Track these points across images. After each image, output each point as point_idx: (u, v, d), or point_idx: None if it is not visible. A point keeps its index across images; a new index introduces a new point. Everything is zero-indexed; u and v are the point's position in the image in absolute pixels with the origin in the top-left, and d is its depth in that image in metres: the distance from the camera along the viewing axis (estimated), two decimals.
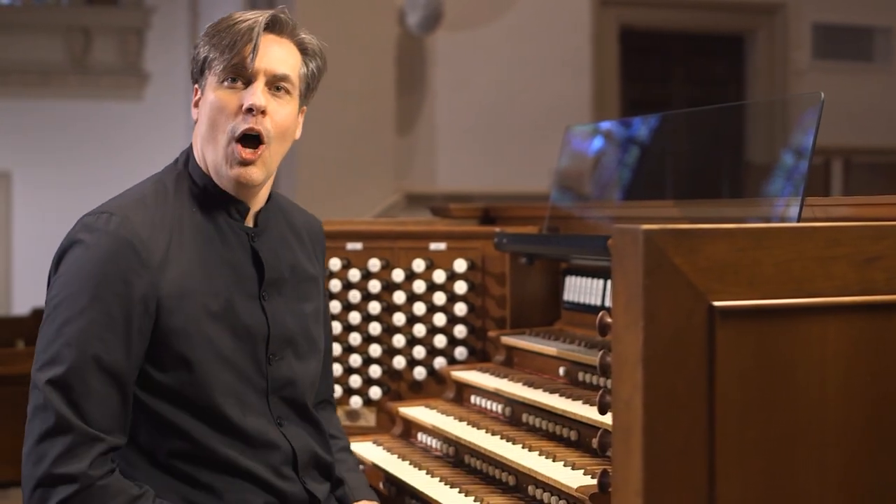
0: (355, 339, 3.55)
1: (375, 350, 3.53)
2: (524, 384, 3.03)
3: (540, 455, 2.67)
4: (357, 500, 2.74)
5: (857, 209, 2.47)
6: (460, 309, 3.47)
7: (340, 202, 8.52)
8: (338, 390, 3.55)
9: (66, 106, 11.06)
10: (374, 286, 3.55)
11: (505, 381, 3.12)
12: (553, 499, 2.54)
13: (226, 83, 2.47)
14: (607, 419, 2.27)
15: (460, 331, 3.48)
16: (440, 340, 3.47)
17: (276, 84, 2.50)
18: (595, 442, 2.39)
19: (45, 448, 2.25)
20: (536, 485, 2.62)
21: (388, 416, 3.46)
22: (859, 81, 10.94)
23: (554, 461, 2.62)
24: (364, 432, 3.49)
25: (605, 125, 3.71)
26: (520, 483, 2.72)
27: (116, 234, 2.35)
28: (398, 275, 3.53)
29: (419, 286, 3.51)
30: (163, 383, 2.39)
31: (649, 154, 3.28)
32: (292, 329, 2.58)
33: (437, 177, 9.65)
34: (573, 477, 2.49)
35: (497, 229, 3.48)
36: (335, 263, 3.57)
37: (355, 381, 3.54)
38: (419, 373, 3.49)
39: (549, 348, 3.11)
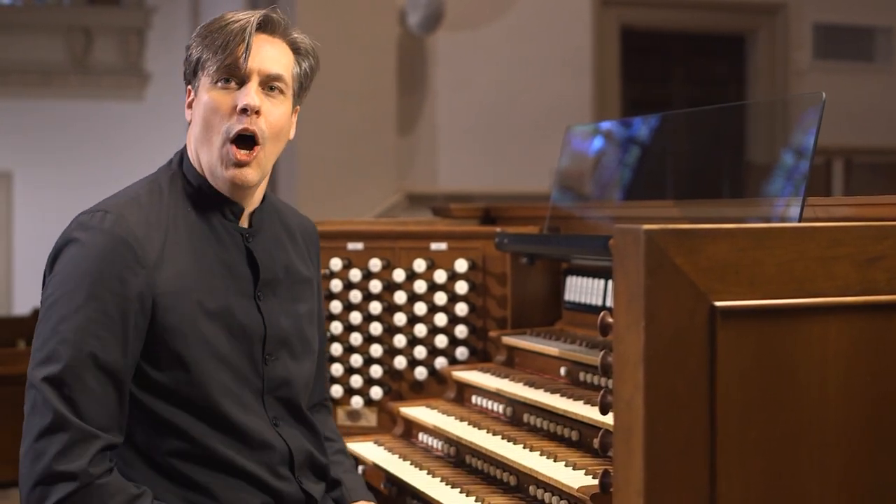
0: (356, 339, 3.55)
1: (376, 350, 3.53)
2: (525, 384, 3.03)
3: (541, 455, 2.67)
4: (355, 501, 2.74)
5: (858, 209, 2.47)
6: (461, 309, 3.47)
7: (341, 202, 8.52)
8: (339, 390, 3.55)
9: (67, 106, 11.06)
10: (375, 286, 3.55)
11: (506, 381, 3.12)
12: (554, 499, 2.54)
13: (219, 84, 2.47)
14: (608, 419, 2.27)
15: (461, 331, 3.48)
16: (441, 340, 3.47)
17: (269, 84, 2.50)
18: (596, 442, 2.39)
19: (44, 445, 2.25)
20: (538, 485, 2.62)
21: (389, 417, 3.46)
22: (860, 81, 10.94)
23: (555, 461, 2.62)
24: (365, 432, 3.49)
25: (606, 125, 3.71)
26: (521, 483, 2.72)
27: (112, 232, 2.35)
28: (399, 275, 3.53)
29: (420, 286, 3.51)
30: (159, 382, 2.39)
31: (650, 154, 3.28)
32: (287, 329, 2.58)
33: (437, 177, 9.65)
34: (574, 477, 2.49)
35: (498, 229, 3.48)
36: (336, 263, 3.57)
37: (356, 381, 3.54)
38: (420, 373, 3.49)
39: (550, 348, 3.11)
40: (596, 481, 2.37)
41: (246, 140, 2.46)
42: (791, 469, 1.87)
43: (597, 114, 9.95)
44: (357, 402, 3.55)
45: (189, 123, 2.55)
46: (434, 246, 3.52)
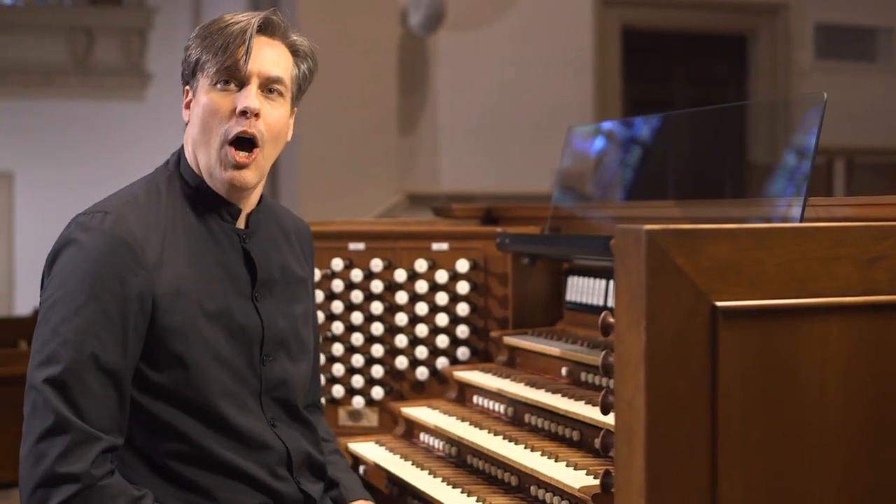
0: (357, 339, 3.55)
1: (378, 350, 3.53)
2: (526, 384, 3.03)
3: (542, 455, 2.68)
4: (353, 501, 2.74)
5: (859, 209, 2.47)
6: (462, 309, 3.48)
7: (343, 202, 8.52)
8: (340, 390, 3.55)
9: (69, 106, 11.06)
10: (377, 286, 3.55)
11: (507, 381, 3.12)
12: (555, 499, 2.54)
13: (218, 85, 2.47)
14: (610, 419, 2.26)
15: (462, 331, 3.48)
16: (442, 340, 3.48)
17: (268, 86, 2.50)
18: (597, 442, 2.39)
19: (45, 447, 2.24)
20: (539, 485, 2.62)
21: (391, 417, 3.46)
22: (861, 81, 10.94)
23: (556, 461, 2.62)
24: (366, 432, 3.49)
25: (607, 125, 3.71)
26: (522, 483, 2.72)
27: (112, 232, 2.34)
28: (400, 275, 3.53)
29: (421, 286, 3.51)
30: (158, 383, 2.39)
31: (651, 154, 3.28)
32: (284, 330, 2.58)
33: (439, 177, 9.66)
34: (576, 477, 2.49)
35: (499, 229, 3.48)
36: (337, 263, 3.57)
37: (358, 381, 3.54)
38: (421, 373, 3.49)
39: (551, 348, 3.11)
40: (597, 481, 2.37)
41: (245, 142, 2.46)
42: (792, 469, 1.87)
43: (598, 114, 9.95)
44: (358, 402, 3.55)
45: (186, 124, 2.55)
46: (435, 246, 3.52)
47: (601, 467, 2.46)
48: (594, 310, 3.21)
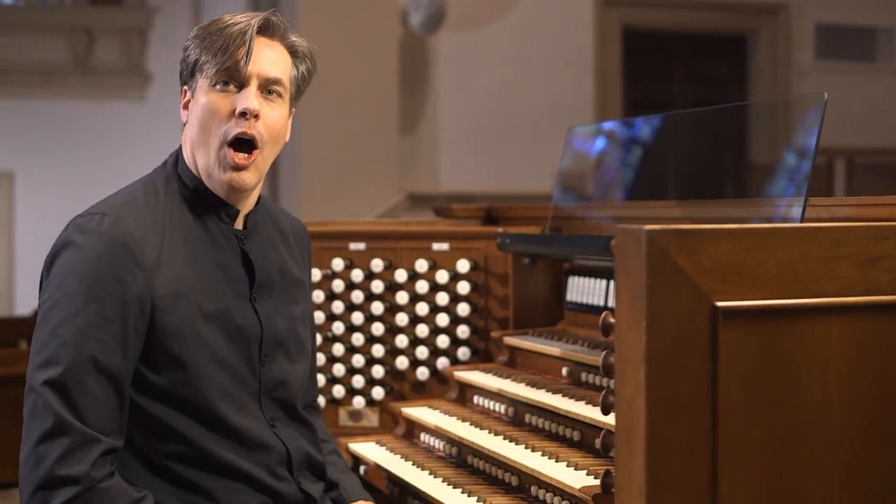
0: (358, 339, 3.55)
1: (378, 350, 3.53)
2: (527, 384, 3.03)
3: (543, 455, 2.67)
4: (352, 501, 2.74)
5: (860, 209, 2.47)
6: (463, 309, 3.48)
7: (343, 202, 8.52)
8: (341, 390, 3.55)
9: (69, 106, 11.06)
10: (377, 286, 3.55)
11: (508, 381, 3.12)
12: (556, 499, 2.54)
13: (218, 86, 2.46)
14: (610, 419, 2.27)
15: (463, 331, 3.48)
16: (443, 341, 3.47)
17: (268, 87, 2.50)
18: (598, 442, 2.39)
19: (45, 450, 2.24)
20: (539, 485, 2.62)
21: (391, 417, 3.46)
22: (862, 82, 10.93)
23: (557, 461, 2.62)
24: (367, 432, 3.49)
25: (608, 125, 3.71)
26: (523, 483, 2.72)
27: (110, 234, 2.34)
28: (401, 275, 3.53)
29: (422, 286, 3.51)
30: (157, 385, 2.39)
31: (652, 154, 3.28)
32: (283, 331, 2.58)
33: (439, 177, 9.66)
34: (576, 477, 2.49)
35: (500, 229, 3.48)
36: (338, 264, 3.57)
37: (358, 381, 3.54)
38: (422, 373, 3.49)
39: (551, 349, 3.11)
40: (598, 481, 2.37)
41: (244, 143, 2.46)
42: (793, 469, 1.87)
43: (598, 114, 9.95)
44: (359, 402, 3.55)
45: (184, 124, 2.54)
46: (436, 246, 3.52)
47: (602, 467, 2.46)
48: (595, 310, 3.21)
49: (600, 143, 3.52)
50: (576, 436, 2.74)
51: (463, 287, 3.47)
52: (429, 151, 9.63)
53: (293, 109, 2.61)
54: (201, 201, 2.51)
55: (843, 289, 1.89)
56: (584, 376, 2.97)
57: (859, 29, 11.13)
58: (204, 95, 2.47)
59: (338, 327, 3.55)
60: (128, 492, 2.30)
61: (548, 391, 2.93)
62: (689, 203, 3.08)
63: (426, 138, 9.62)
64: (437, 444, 3.14)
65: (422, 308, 3.50)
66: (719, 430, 1.81)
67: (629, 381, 1.80)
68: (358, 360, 3.55)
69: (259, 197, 2.63)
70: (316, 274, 3.55)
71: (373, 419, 3.56)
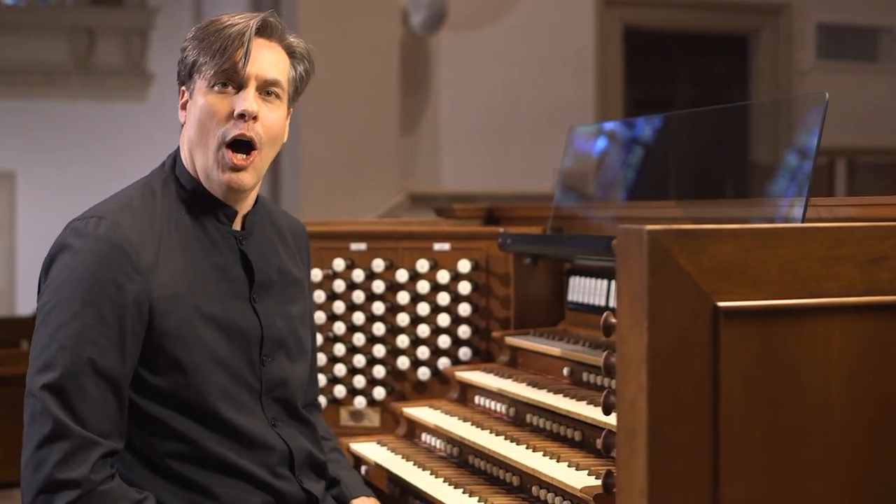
0: (359, 339, 3.55)
1: (379, 350, 3.53)
2: (528, 384, 3.03)
3: (544, 455, 2.67)
4: (354, 498, 2.74)
5: (861, 209, 2.47)
6: (464, 309, 3.47)
7: (344, 202, 8.52)
8: (342, 391, 3.55)
9: (70, 106, 11.07)
10: (378, 286, 3.55)
11: (509, 381, 3.11)
12: (557, 499, 2.54)
13: (216, 88, 2.46)
14: (611, 420, 2.27)
15: (464, 331, 3.48)
16: (444, 341, 3.47)
17: (266, 89, 2.50)
18: (599, 442, 2.39)
19: (45, 454, 2.24)
20: (540, 485, 2.62)
21: (393, 417, 3.46)
22: (863, 81, 10.93)
23: (558, 462, 2.62)
24: (368, 433, 3.49)
25: (609, 125, 3.71)
26: (524, 483, 2.72)
27: (106, 238, 2.34)
28: (402, 275, 3.53)
29: (423, 286, 3.51)
30: (157, 386, 2.39)
31: (653, 154, 3.27)
32: (283, 331, 2.59)
33: (441, 177, 9.66)
34: (577, 477, 2.49)
35: (501, 230, 3.48)
36: (339, 264, 3.57)
37: (359, 381, 3.54)
38: (423, 373, 3.49)
39: (553, 349, 3.11)
40: (599, 482, 2.37)
41: (242, 145, 2.46)
42: (794, 469, 1.87)
43: (600, 114, 9.95)
44: (360, 402, 3.55)
45: (182, 125, 2.54)
46: (437, 246, 3.52)
47: (603, 468, 2.45)
48: (596, 310, 3.21)
49: (601, 143, 3.52)
50: (577, 436, 2.74)
51: (464, 287, 3.47)
52: (430, 151, 9.63)
53: (291, 110, 2.61)
54: (199, 202, 2.51)
55: (845, 289, 1.88)
56: (585, 376, 2.97)
57: (861, 29, 11.13)
58: (202, 97, 2.47)
59: (339, 327, 3.55)
60: (129, 493, 2.30)
61: (549, 391, 2.93)
62: (691, 203, 3.08)
63: (427, 138, 9.62)
64: (439, 444, 3.14)
65: (423, 308, 3.50)
66: (721, 430, 1.81)
67: (631, 382, 1.80)
68: (359, 361, 3.55)
69: (257, 197, 2.62)
70: (317, 274, 3.55)
71: (374, 419, 3.56)
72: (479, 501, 2.70)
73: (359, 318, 3.56)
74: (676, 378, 1.78)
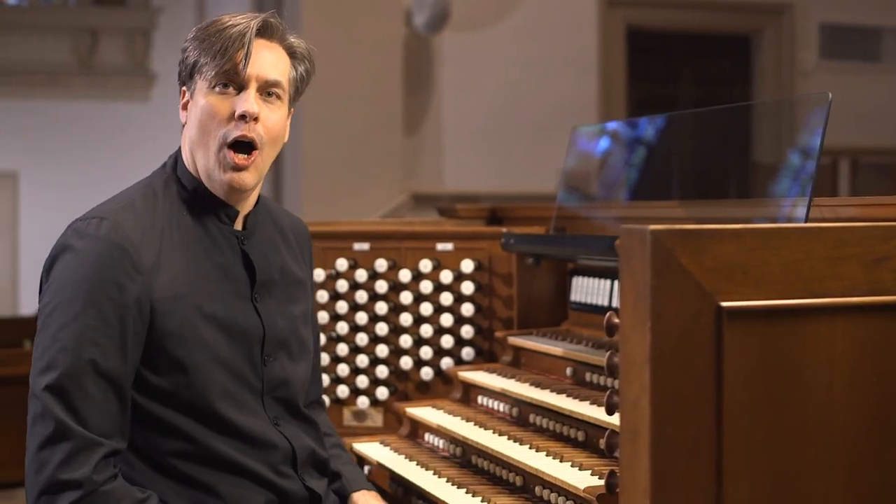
0: (362, 339, 3.55)
1: (382, 350, 3.53)
2: (531, 384, 3.03)
3: (547, 455, 2.67)
4: (355, 491, 2.75)
5: (864, 209, 2.47)
6: (467, 309, 3.47)
7: (347, 202, 8.52)
8: (345, 391, 3.55)
9: (73, 106, 11.07)
10: (381, 286, 3.55)
11: (512, 381, 3.11)
12: (560, 499, 2.54)
13: (217, 88, 2.46)
14: (615, 420, 2.26)
15: (467, 331, 3.48)
16: (447, 341, 3.48)
17: (267, 90, 2.50)
18: (602, 442, 2.39)
19: (47, 455, 2.25)
20: (544, 485, 2.62)
21: (395, 417, 3.46)
22: (866, 82, 10.92)
23: (561, 462, 2.62)
24: (371, 432, 3.49)
25: (612, 125, 3.71)
26: (527, 483, 2.72)
27: (108, 238, 2.34)
28: (405, 275, 3.53)
29: (426, 286, 3.51)
30: (159, 387, 2.39)
31: (656, 154, 3.27)
32: (284, 330, 2.59)
33: (443, 177, 9.66)
34: (580, 477, 2.49)
35: (504, 230, 3.48)
36: (342, 264, 3.57)
37: (362, 381, 3.54)
38: (426, 373, 3.49)
39: (556, 349, 3.10)
40: (602, 482, 2.37)
41: (243, 145, 2.46)
42: (797, 469, 1.87)
43: (602, 114, 9.95)
44: (363, 402, 3.55)
45: (183, 125, 2.55)
46: (440, 246, 3.52)
47: (606, 468, 2.45)
48: (599, 310, 3.21)
49: (604, 143, 3.52)
50: (580, 436, 2.74)
51: (467, 287, 3.47)
52: (433, 151, 9.63)
53: (292, 110, 2.61)
54: (200, 202, 2.51)
55: (848, 289, 1.88)
56: (588, 376, 2.97)
57: (864, 29, 11.12)
58: (203, 97, 2.47)
59: (342, 327, 3.55)
60: (131, 493, 2.31)
61: (552, 391, 2.93)
62: (694, 203, 3.08)
63: (430, 138, 9.62)
64: (441, 444, 3.14)
65: (426, 308, 3.50)
66: (724, 430, 1.81)
67: (634, 382, 1.80)
68: (362, 361, 3.55)
69: (258, 197, 2.63)
70: (320, 274, 3.55)
71: (377, 419, 3.56)
72: (482, 501, 2.70)
73: (362, 317, 3.56)
74: (679, 378, 1.78)
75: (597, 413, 2.65)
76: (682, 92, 10.86)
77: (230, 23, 2.48)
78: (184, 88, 2.54)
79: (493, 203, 4.15)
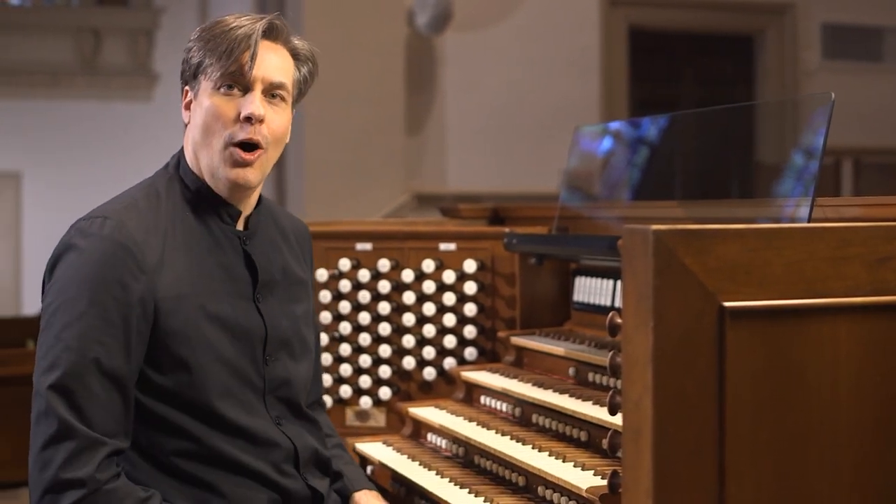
0: (365, 339, 3.55)
1: (385, 350, 3.53)
2: (534, 384, 3.03)
3: (550, 456, 2.67)
4: (356, 491, 2.75)
5: (867, 209, 2.47)
6: (470, 309, 3.47)
7: (350, 203, 8.52)
8: (348, 391, 3.55)
9: (76, 107, 11.08)
10: (384, 286, 3.55)
11: (514, 381, 3.11)
12: (563, 499, 2.54)
13: (222, 90, 2.46)
14: (617, 420, 2.26)
15: (470, 331, 3.48)
16: (450, 341, 3.47)
17: (272, 92, 2.50)
18: (605, 443, 2.39)
19: (50, 454, 2.25)
20: (546, 485, 2.62)
21: (398, 417, 3.46)
22: (869, 81, 10.92)
23: (564, 462, 2.62)
24: (374, 432, 3.49)
25: (614, 125, 3.71)
26: (530, 484, 2.72)
27: (112, 237, 2.34)
28: (408, 275, 3.53)
29: (429, 286, 3.51)
30: (162, 386, 2.39)
31: (658, 154, 3.27)
32: (286, 330, 2.59)
33: (446, 177, 9.66)
34: (583, 477, 2.49)
35: (506, 229, 3.48)
36: (345, 264, 3.58)
37: (365, 381, 3.54)
38: (429, 373, 3.49)
39: (558, 349, 3.10)
40: (605, 482, 2.37)
41: (248, 146, 2.47)
42: (801, 469, 1.87)
43: (605, 114, 9.95)
44: (366, 402, 3.55)
45: (186, 125, 2.55)
46: (443, 246, 3.52)
47: (609, 468, 2.45)
48: (601, 310, 3.21)
49: (607, 143, 3.52)
50: (583, 436, 2.74)
51: (470, 287, 3.47)
52: (435, 151, 9.63)
53: (294, 111, 2.61)
54: (203, 202, 2.52)
55: (851, 289, 1.88)
56: (590, 376, 2.97)
57: (866, 29, 11.11)
58: (207, 98, 2.47)
59: (345, 327, 3.55)
60: (135, 492, 2.31)
61: (555, 391, 2.93)
62: (696, 203, 3.08)
63: (432, 138, 9.62)
64: (444, 444, 3.14)
65: (428, 308, 3.50)
66: (727, 430, 1.81)
67: (636, 382, 1.80)
68: (365, 360, 3.55)
69: (260, 197, 2.63)
70: (323, 274, 3.55)
71: (379, 419, 3.56)
72: (484, 501, 2.70)
73: (364, 317, 3.56)
74: (682, 378, 1.78)
75: (599, 413, 2.65)
76: (685, 92, 10.86)
77: (235, 24, 2.48)
78: (186, 88, 2.54)
79: (495, 203, 4.15)
